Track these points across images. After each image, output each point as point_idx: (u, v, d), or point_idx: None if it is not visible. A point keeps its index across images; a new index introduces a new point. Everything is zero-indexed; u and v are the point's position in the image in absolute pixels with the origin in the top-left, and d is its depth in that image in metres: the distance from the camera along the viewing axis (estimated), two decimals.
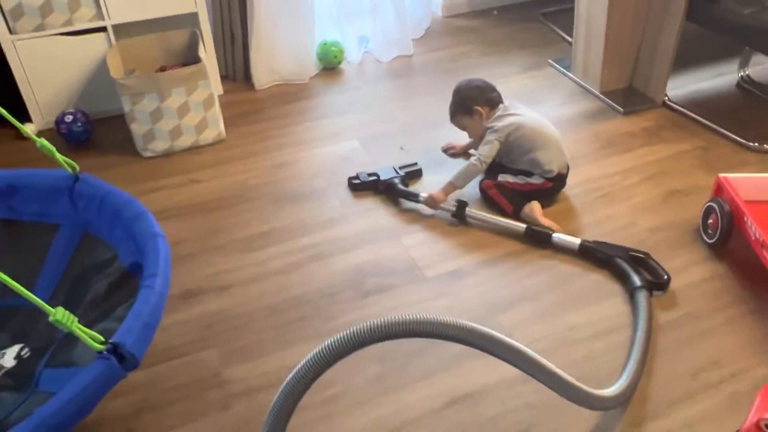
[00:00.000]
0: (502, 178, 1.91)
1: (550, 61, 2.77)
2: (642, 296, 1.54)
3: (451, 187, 1.90)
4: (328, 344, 0.97)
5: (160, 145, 2.21)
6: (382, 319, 0.97)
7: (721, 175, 1.76)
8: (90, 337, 1.04)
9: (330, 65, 2.77)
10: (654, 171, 2.07)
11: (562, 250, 1.75)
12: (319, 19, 2.72)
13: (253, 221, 1.91)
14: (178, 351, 1.50)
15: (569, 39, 2.79)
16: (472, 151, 2.03)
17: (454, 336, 1.01)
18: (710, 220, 1.74)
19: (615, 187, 2.01)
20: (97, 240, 1.54)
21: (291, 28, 2.60)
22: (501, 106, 2.00)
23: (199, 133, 2.24)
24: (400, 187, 1.97)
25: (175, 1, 2.33)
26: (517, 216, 1.86)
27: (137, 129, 2.17)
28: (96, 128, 2.34)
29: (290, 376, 0.98)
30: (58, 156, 1.55)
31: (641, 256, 1.68)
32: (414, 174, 2.08)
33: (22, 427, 0.98)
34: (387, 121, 2.39)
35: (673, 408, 1.33)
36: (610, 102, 2.44)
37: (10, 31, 2.19)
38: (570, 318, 1.56)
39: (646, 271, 1.64)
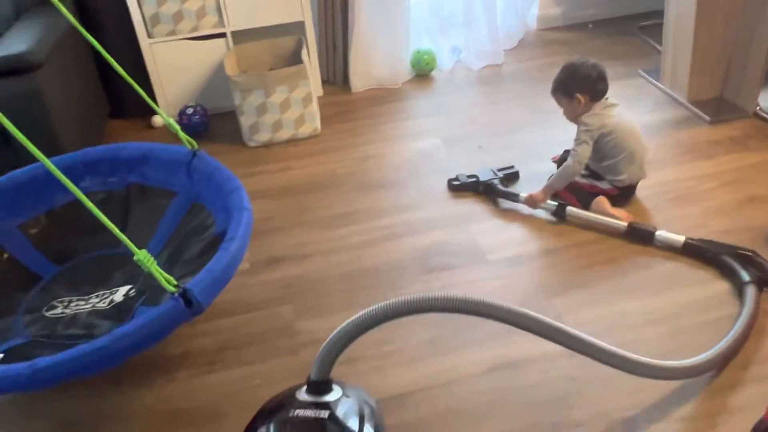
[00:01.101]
0: None
1: (640, 71, 2.79)
2: (751, 290, 1.54)
3: (550, 189, 1.95)
4: (383, 305, 1.10)
5: (263, 137, 2.48)
6: (432, 294, 1.09)
7: None
8: (165, 280, 1.25)
9: (422, 72, 2.95)
10: (734, 178, 2.05)
11: (664, 247, 1.76)
12: (414, 29, 2.93)
13: (336, 204, 2.12)
14: (259, 305, 1.72)
15: (661, 48, 2.79)
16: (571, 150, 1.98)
17: (494, 315, 1.11)
18: None
19: (690, 190, 2.02)
20: (202, 208, 1.80)
21: (388, 37, 2.81)
22: (602, 101, 1.96)
23: (298, 127, 2.49)
24: (500, 187, 2.04)
25: (285, 11, 2.62)
26: (586, 209, 1.92)
27: (245, 121, 2.46)
28: (212, 121, 2.66)
29: (345, 323, 1.13)
30: (182, 134, 1.83)
31: (748, 253, 1.65)
32: (512, 176, 2.14)
33: (101, 340, 1.21)
34: (469, 123, 2.53)
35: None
36: (697, 110, 2.43)
37: (149, 36, 2.57)
38: (623, 305, 1.61)
39: (753, 268, 1.61)
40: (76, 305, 1.63)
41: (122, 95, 2.54)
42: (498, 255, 1.83)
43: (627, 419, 1.32)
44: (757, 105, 2.37)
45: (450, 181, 2.14)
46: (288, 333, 1.62)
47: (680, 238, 1.73)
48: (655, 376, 1.28)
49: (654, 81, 2.69)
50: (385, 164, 2.32)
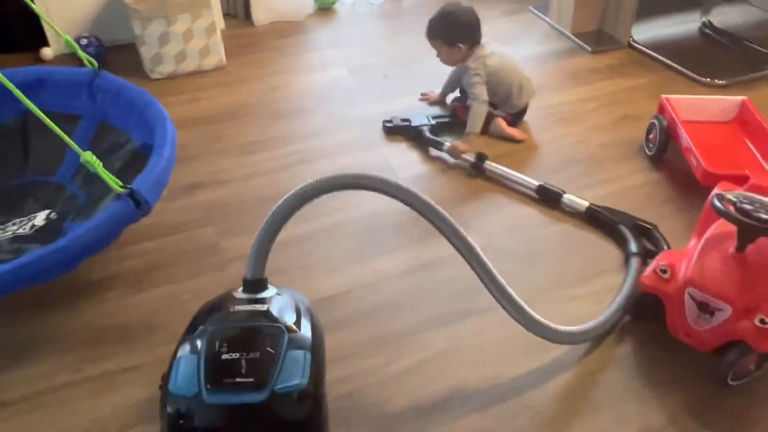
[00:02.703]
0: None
1: (530, 7, 2.98)
2: (635, 262, 1.55)
3: (468, 137, 2.00)
4: (300, 187, 1.19)
5: (166, 68, 2.43)
6: (348, 173, 1.18)
7: (664, 96, 1.99)
8: (113, 181, 1.28)
9: (324, 5, 2.98)
10: (610, 100, 2.30)
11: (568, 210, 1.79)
12: None
13: (249, 132, 2.15)
14: (182, 227, 1.75)
15: None
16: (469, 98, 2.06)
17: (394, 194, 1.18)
18: (651, 135, 1.98)
19: (573, 112, 2.24)
20: (111, 128, 1.78)
21: None
22: (479, 46, 2.06)
23: (203, 59, 2.46)
24: (428, 135, 2.06)
25: None
26: (485, 132, 2.09)
27: (146, 52, 2.39)
28: (109, 54, 2.56)
29: (267, 216, 1.21)
30: (81, 53, 1.78)
31: (647, 226, 1.68)
32: (443, 125, 2.14)
33: (59, 242, 1.23)
34: (374, 54, 2.62)
35: (590, 281, 1.58)
36: (580, 42, 2.66)
37: None
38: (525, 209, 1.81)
39: (648, 241, 1.65)
40: None
41: (3, 26, 2.38)
42: (409, 172, 1.96)
43: (528, 301, 1.51)
44: (631, 36, 2.63)
45: (384, 122, 2.15)
46: (213, 251, 1.68)
47: (584, 203, 1.74)
48: (538, 334, 1.27)
49: (542, 16, 2.89)
50: (293, 94, 2.37)
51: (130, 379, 1.35)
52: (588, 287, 1.55)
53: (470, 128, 2.04)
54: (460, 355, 1.39)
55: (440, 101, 2.28)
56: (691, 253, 1.34)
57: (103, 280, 1.58)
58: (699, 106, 2.00)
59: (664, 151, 1.94)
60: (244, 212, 1.81)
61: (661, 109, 1.99)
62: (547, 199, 1.82)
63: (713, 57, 2.57)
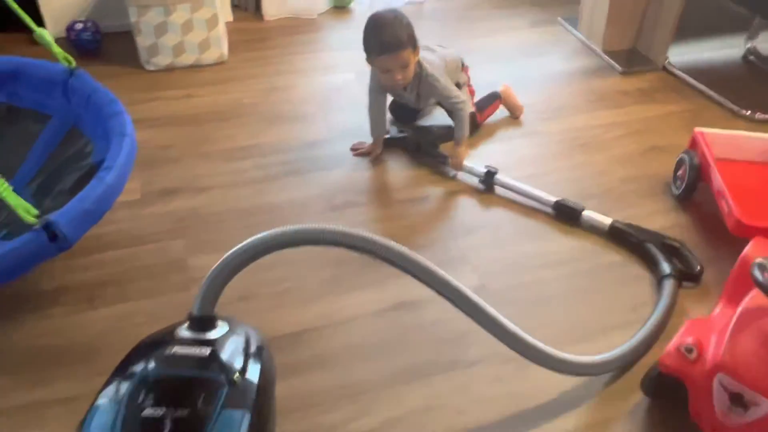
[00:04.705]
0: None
1: (559, 18, 2.77)
2: (669, 284, 1.44)
3: (463, 140, 1.82)
4: (269, 234, 1.02)
5: (163, 60, 2.29)
6: (324, 226, 1.00)
7: (697, 129, 1.78)
8: (24, 210, 1.11)
9: (340, 3, 2.81)
10: (639, 128, 2.09)
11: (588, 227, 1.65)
12: None
13: (240, 135, 1.99)
14: (149, 238, 1.59)
15: None
16: (454, 101, 1.82)
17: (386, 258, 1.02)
18: (680, 172, 1.77)
19: (597, 138, 2.04)
20: (81, 134, 1.63)
21: None
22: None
23: (202, 52, 2.31)
24: (429, 148, 1.88)
25: None
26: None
27: (142, 41, 2.25)
28: (106, 40, 2.42)
29: (227, 254, 1.04)
30: (55, 48, 1.63)
31: (675, 244, 1.56)
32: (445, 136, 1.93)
33: None
34: None
35: (608, 334, 1.38)
36: (611, 60, 2.45)
37: None
38: (525, 248, 1.61)
39: (678, 261, 1.53)
40: None
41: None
42: (406, 195, 1.78)
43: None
44: (666, 58, 2.41)
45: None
46: (179, 268, 1.51)
47: (607, 221, 1.62)
48: (550, 366, 1.15)
49: (572, 29, 2.68)
50: (293, 97, 2.20)
51: (61, 414, 1.19)
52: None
53: (462, 133, 1.83)
54: (436, 417, 1.21)
55: (379, 151, 1.91)
56: (721, 328, 1.14)
57: (51, 293, 1.43)
58: (737, 143, 1.78)
59: (692, 191, 1.73)
60: (220, 225, 1.64)
61: (693, 144, 1.78)
62: (566, 216, 1.67)
63: (756, 88, 2.33)
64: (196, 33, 2.26)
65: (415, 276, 1.06)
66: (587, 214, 1.66)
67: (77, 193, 1.48)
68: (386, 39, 1.66)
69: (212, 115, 2.08)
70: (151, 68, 2.30)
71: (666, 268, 1.49)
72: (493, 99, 2.06)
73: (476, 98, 2.04)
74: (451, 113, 1.87)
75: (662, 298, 1.42)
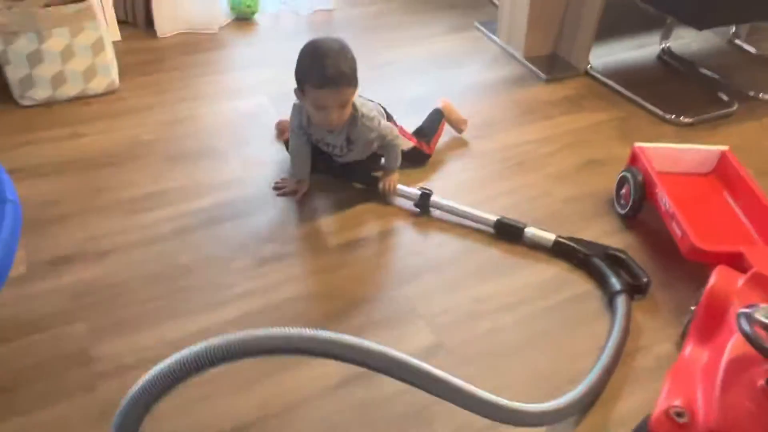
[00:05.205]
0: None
1: (476, 23, 2.67)
2: (622, 301, 1.40)
3: (394, 171, 1.71)
4: (187, 354, 0.82)
5: (40, 93, 1.96)
6: (257, 332, 0.84)
7: (637, 144, 1.71)
8: None
9: (243, 15, 2.56)
10: (571, 140, 2.02)
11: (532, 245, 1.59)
12: None
13: (141, 181, 1.73)
14: (41, 324, 1.32)
15: (497, 2, 2.69)
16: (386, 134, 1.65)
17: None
18: (623, 191, 1.70)
19: (531, 154, 1.94)
20: None
21: None
22: None
23: (87, 82, 2.00)
24: (359, 175, 1.74)
25: None
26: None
27: (13, 73, 1.92)
28: None
29: (140, 382, 0.83)
30: None
31: (620, 255, 1.53)
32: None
33: None
34: None
35: (578, 381, 1.27)
36: (533, 68, 2.37)
37: None
38: (477, 289, 1.48)
39: (624, 272, 1.49)
40: None
41: None
42: (340, 238, 1.60)
43: (491, 426, 1.19)
44: (588, 63, 2.36)
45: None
46: (81, 360, 1.26)
47: (550, 236, 1.57)
48: (506, 420, 1.03)
49: (490, 35, 2.58)
50: (200, 129, 1.95)
51: None
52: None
53: (396, 164, 1.71)
54: None
55: (306, 188, 1.71)
56: (706, 380, 1.05)
57: None
58: (675, 157, 1.73)
59: (638, 210, 1.66)
60: (126, 298, 1.40)
61: (634, 160, 1.71)
62: (508, 234, 1.61)
63: (676, 89, 2.33)
64: (79, 60, 1.95)
65: (373, 368, 0.89)
66: (530, 231, 1.60)
67: None
68: (329, 71, 1.43)
69: (105, 158, 1.80)
70: (27, 103, 1.97)
71: (615, 283, 1.44)
72: (438, 121, 1.90)
73: (411, 125, 1.86)
74: (384, 149, 1.70)
75: (617, 319, 1.37)
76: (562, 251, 1.57)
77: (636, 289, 1.46)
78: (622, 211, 1.70)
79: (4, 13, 1.86)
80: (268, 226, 1.61)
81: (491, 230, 1.63)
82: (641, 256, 1.58)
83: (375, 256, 1.56)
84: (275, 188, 1.71)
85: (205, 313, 1.37)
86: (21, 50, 1.87)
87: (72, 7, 1.88)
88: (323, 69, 1.43)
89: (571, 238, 1.58)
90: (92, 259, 1.48)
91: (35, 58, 1.90)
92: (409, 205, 1.70)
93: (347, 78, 1.46)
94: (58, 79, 1.96)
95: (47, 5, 2.11)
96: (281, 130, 1.90)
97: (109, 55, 2.04)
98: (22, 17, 1.84)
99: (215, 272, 1.47)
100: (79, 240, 1.53)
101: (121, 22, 2.41)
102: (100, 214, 1.61)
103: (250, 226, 1.61)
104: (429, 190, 1.68)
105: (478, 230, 1.64)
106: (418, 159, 1.83)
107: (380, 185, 1.69)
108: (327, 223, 1.64)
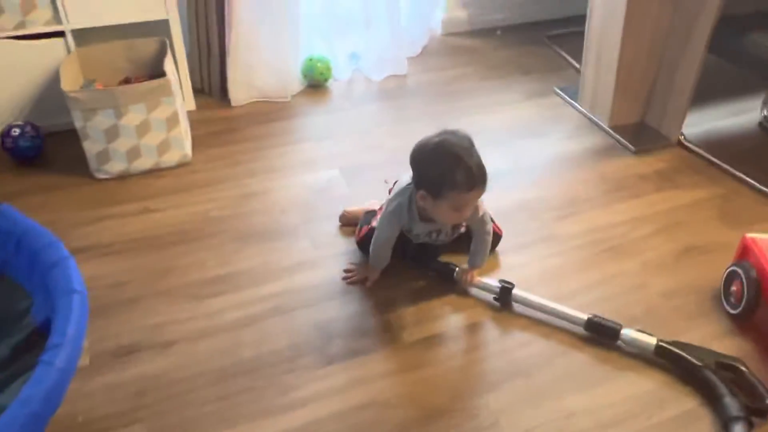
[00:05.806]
0: None
1: (555, 88, 2.54)
2: (739, 429, 1.22)
3: (480, 266, 1.60)
4: None
5: (115, 167, 1.97)
6: None
7: (748, 235, 1.53)
8: None
9: (315, 83, 2.54)
10: (667, 222, 1.84)
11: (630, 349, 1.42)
12: (305, 31, 2.50)
13: (209, 262, 1.67)
14: (100, 425, 1.25)
15: (577, 65, 2.57)
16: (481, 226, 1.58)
17: None
18: (734, 287, 1.51)
19: (622, 239, 1.77)
20: (11, 283, 1.30)
21: (274, 40, 2.37)
22: None
23: (161, 155, 2.00)
24: (436, 264, 1.62)
25: (142, 7, 2.10)
26: None
27: (90, 148, 1.93)
28: (48, 142, 2.10)
29: None
30: None
31: (736, 365, 1.34)
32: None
33: None
34: (373, 149, 2.15)
35: None
36: (620, 138, 2.21)
37: None
38: (568, 401, 1.32)
39: (738, 389, 1.30)
40: None
41: None
42: (415, 334, 1.47)
43: None
44: (681, 133, 2.19)
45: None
46: None
47: (651, 341, 1.39)
48: None
49: (571, 101, 2.45)
50: (270, 204, 1.90)
51: None
52: None
53: (483, 261, 1.60)
54: None
55: (377, 277, 1.61)
56: None
57: None
58: None
59: (754, 311, 1.46)
60: (188, 399, 1.31)
61: (745, 252, 1.52)
62: (600, 335, 1.45)
63: None
64: (154, 134, 1.95)
65: None
66: (627, 333, 1.42)
67: (20, 366, 1.15)
68: (476, 172, 1.37)
69: (175, 236, 1.76)
70: (102, 176, 1.98)
71: (732, 407, 1.25)
72: None
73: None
74: (477, 240, 1.59)
75: None
76: (664, 358, 1.39)
77: (755, 412, 1.26)
78: (733, 311, 1.50)
79: (83, 92, 1.88)
80: (337, 318, 1.51)
81: (581, 329, 1.47)
82: (760, 368, 1.37)
83: (453, 357, 1.43)
84: (344, 277, 1.62)
85: (267, 419, 1.27)
86: (99, 126, 1.89)
87: (150, 84, 1.89)
88: (469, 171, 1.36)
89: (675, 343, 1.39)
90: (156, 350, 1.42)
91: (112, 134, 1.91)
92: (488, 297, 1.56)
93: (487, 174, 1.40)
94: (133, 153, 1.96)
95: (127, 78, 2.15)
96: (346, 223, 1.79)
97: (184, 128, 2.04)
98: (101, 95, 1.86)
99: (280, 370, 1.37)
100: (144, 328, 1.47)
101: (197, 91, 2.43)
102: (167, 298, 1.55)
103: (318, 316, 1.51)
104: (510, 283, 1.54)
105: (563, 328, 1.48)
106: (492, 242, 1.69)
107: (463, 277, 1.57)
108: (401, 315, 1.52)
